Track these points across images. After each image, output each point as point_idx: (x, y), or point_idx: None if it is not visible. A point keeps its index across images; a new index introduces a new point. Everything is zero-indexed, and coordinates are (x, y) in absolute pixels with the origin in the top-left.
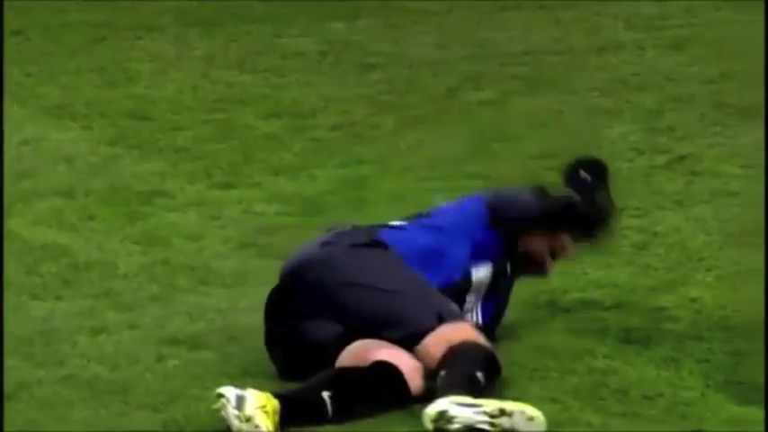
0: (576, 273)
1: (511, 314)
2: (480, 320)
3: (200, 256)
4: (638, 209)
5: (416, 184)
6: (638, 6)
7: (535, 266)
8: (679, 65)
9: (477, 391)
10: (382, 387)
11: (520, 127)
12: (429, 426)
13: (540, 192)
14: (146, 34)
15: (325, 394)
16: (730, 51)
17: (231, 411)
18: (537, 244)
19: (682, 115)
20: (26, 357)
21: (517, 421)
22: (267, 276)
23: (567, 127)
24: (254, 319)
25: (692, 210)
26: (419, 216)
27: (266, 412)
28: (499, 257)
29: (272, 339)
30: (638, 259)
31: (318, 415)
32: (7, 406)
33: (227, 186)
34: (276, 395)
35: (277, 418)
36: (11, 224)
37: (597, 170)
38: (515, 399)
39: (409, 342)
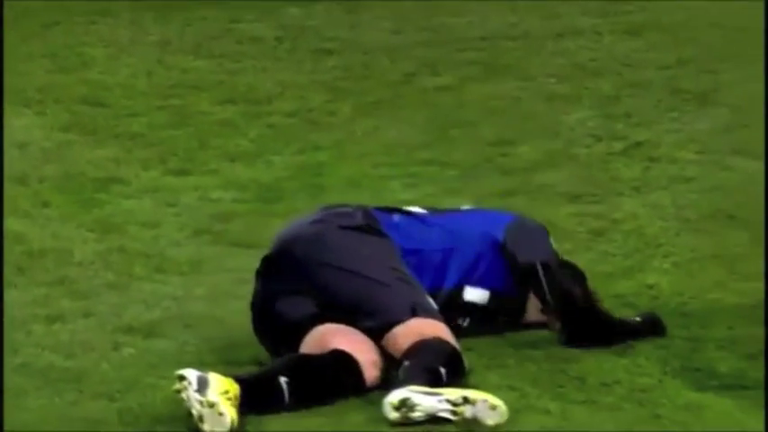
0: None
1: None
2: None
3: (155, 244)
4: (595, 195)
5: (373, 170)
6: None
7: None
8: (636, 50)
9: (438, 385)
10: (338, 376)
11: (477, 113)
12: (391, 413)
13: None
14: (99, 19)
15: (283, 380)
16: (687, 37)
17: (193, 394)
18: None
19: (639, 101)
20: None
21: (480, 409)
22: (223, 263)
23: (525, 113)
24: (211, 307)
25: (650, 196)
26: (443, 212)
27: (229, 399)
28: (502, 289)
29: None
30: (595, 246)
31: (275, 401)
32: None
33: (183, 173)
34: (236, 379)
35: (237, 403)
36: None
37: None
38: (474, 386)
39: (379, 332)
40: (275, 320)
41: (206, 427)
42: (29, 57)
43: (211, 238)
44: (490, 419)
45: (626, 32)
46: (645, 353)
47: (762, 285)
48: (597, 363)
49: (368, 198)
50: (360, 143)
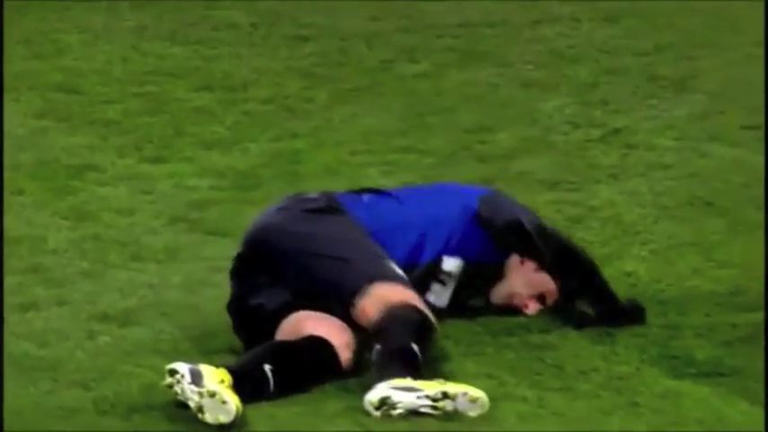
0: None
1: None
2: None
3: (131, 232)
4: (572, 182)
5: (350, 157)
6: None
7: (511, 308)
8: (614, 37)
9: (413, 364)
10: (316, 361)
11: (454, 100)
12: (372, 412)
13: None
14: (74, 5)
15: (268, 368)
16: (664, 24)
17: (188, 387)
18: (523, 284)
19: (616, 88)
20: None
21: (460, 403)
22: (199, 251)
23: (502, 100)
24: (187, 295)
25: (627, 183)
26: (417, 188)
27: (228, 387)
28: (475, 259)
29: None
30: (573, 233)
31: (262, 389)
32: None
33: (159, 160)
34: (227, 369)
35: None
36: None
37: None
38: (452, 374)
39: (346, 307)
40: (252, 315)
41: (208, 417)
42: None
43: (187, 225)
44: (471, 411)
45: (604, 19)
46: (622, 341)
47: (738, 272)
48: (574, 350)
49: (345, 185)
50: (337, 130)
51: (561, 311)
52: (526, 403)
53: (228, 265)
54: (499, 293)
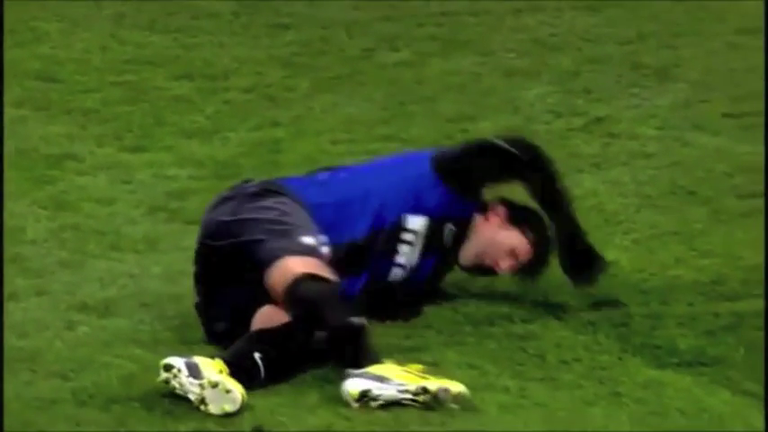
0: None
1: None
2: (411, 278)
3: (110, 221)
4: None
5: (332, 146)
6: None
7: (483, 270)
8: (596, 26)
9: (363, 341)
10: (302, 346)
11: (436, 89)
12: (352, 404)
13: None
14: None
15: (257, 356)
16: (647, 12)
17: (187, 380)
18: (491, 241)
19: (599, 77)
20: None
21: (441, 398)
22: (179, 241)
23: (484, 89)
24: (167, 286)
25: (610, 172)
26: (370, 161)
27: (229, 376)
28: (439, 214)
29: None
30: None
31: (254, 377)
32: None
33: (138, 150)
34: (222, 360)
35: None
36: None
37: None
38: (433, 364)
39: (261, 280)
40: (223, 314)
41: (212, 408)
42: None
43: (167, 215)
44: (452, 404)
45: (586, 7)
46: (604, 330)
47: (720, 261)
48: (556, 340)
49: None
50: (318, 119)
51: (543, 303)
52: (508, 393)
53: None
54: (468, 255)
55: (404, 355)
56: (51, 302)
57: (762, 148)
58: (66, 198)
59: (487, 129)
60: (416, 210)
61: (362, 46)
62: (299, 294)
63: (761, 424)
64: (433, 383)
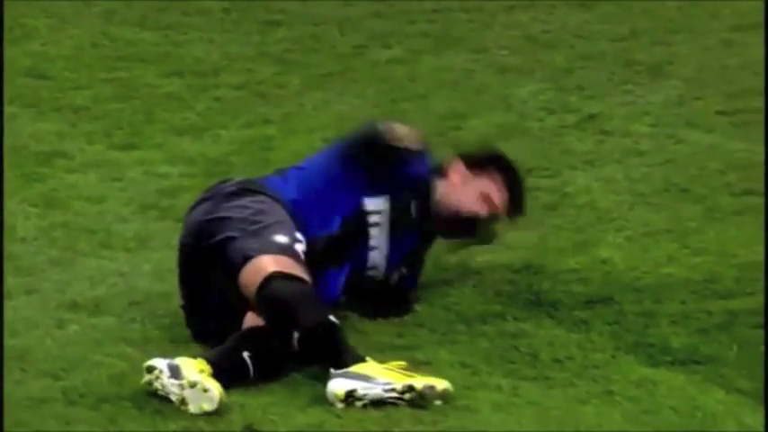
0: None
1: (420, 277)
2: (389, 259)
3: (100, 219)
4: (547, 169)
5: (323, 144)
6: None
7: (464, 225)
8: (589, 22)
9: (340, 339)
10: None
11: (428, 86)
12: (337, 403)
13: None
14: None
15: (246, 355)
16: (640, 9)
17: (168, 381)
18: (459, 197)
19: (592, 73)
20: None
21: (427, 395)
22: (170, 239)
23: (477, 86)
24: (157, 284)
25: (603, 170)
26: (314, 155)
27: (209, 376)
28: (395, 190)
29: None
30: (548, 220)
31: (242, 376)
32: None
33: (129, 147)
34: (205, 359)
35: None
36: None
37: None
38: (425, 363)
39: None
40: (209, 314)
41: (191, 408)
42: None
43: (158, 213)
44: (437, 400)
45: (579, 4)
46: (597, 328)
47: (713, 259)
48: (549, 339)
49: None
50: (309, 116)
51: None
52: (500, 392)
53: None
54: (443, 221)
55: (396, 354)
56: (41, 301)
57: (755, 146)
58: (56, 196)
59: (480, 126)
60: (373, 191)
61: (354, 43)
62: (271, 293)
63: (754, 422)
64: (419, 381)
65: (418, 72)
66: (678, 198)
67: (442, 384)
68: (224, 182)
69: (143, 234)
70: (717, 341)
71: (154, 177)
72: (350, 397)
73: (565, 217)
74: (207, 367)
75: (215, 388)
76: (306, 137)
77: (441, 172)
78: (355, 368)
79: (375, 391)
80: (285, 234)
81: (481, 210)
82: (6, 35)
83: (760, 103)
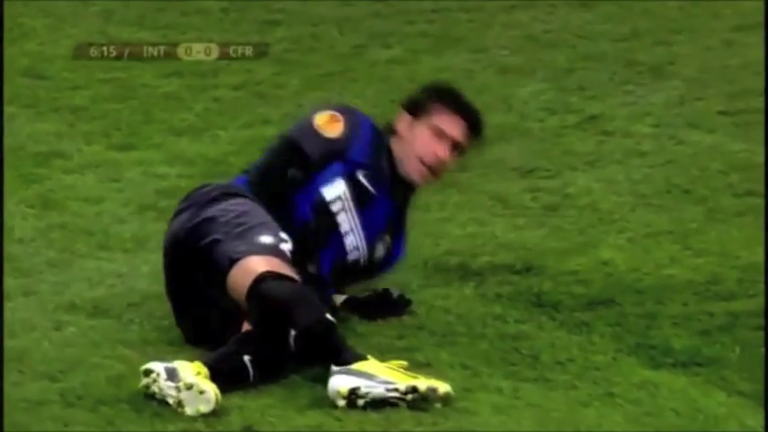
0: (486, 236)
1: (420, 278)
2: (368, 235)
3: (98, 220)
4: (548, 170)
5: None
6: None
7: (433, 170)
8: (590, 22)
9: (338, 337)
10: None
11: None
12: (338, 401)
13: None
14: None
15: (246, 358)
16: (641, 9)
17: (165, 383)
18: (416, 149)
19: (593, 74)
20: None
21: (429, 397)
22: None
23: (477, 86)
24: (155, 285)
25: (604, 170)
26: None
27: (205, 378)
28: (347, 169)
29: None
30: (549, 221)
31: (241, 379)
32: None
33: (127, 148)
34: (203, 363)
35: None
36: None
37: None
38: (426, 364)
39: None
40: (198, 319)
41: (188, 410)
42: None
43: (156, 214)
44: (438, 403)
45: (580, 4)
46: (598, 330)
47: (715, 260)
48: (550, 340)
49: None
50: None
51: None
52: (501, 394)
53: None
54: (411, 174)
55: (396, 356)
56: (39, 302)
57: (757, 146)
58: (53, 197)
59: None
60: (325, 182)
61: (353, 43)
62: (263, 293)
63: (755, 424)
64: (422, 383)
65: (418, 72)
66: (679, 199)
67: (444, 387)
68: (201, 188)
69: (141, 235)
70: (719, 343)
71: (152, 178)
72: (353, 395)
73: (566, 218)
74: (204, 370)
75: (211, 390)
76: None
77: (391, 131)
78: (358, 365)
79: (377, 390)
80: (271, 234)
81: (442, 152)
82: (4, 35)
83: (761, 103)
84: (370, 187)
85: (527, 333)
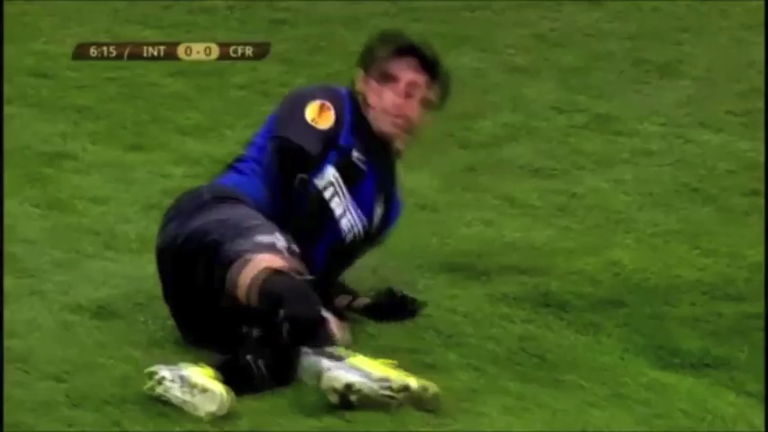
0: (494, 235)
1: (426, 278)
2: (363, 211)
3: (104, 220)
4: (556, 169)
5: None
6: None
7: (407, 129)
8: (598, 21)
9: (326, 336)
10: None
11: None
12: (331, 396)
13: None
14: None
15: (256, 360)
16: (650, 7)
17: (171, 386)
18: (384, 107)
19: (601, 73)
20: None
21: (421, 396)
22: None
23: (485, 85)
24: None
25: (612, 170)
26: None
27: (213, 378)
28: (341, 154)
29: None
30: (557, 221)
31: (251, 381)
32: None
33: (133, 147)
34: (212, 366)
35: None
36: None
37: None
38: (433, 365)
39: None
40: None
41: (196, 411)
42: None
43: (162, 214)
44: (428, 403)
45: (588, 2)
46: (606, 330)
47: (724, 260)
48: (558, 341)
49: None
50: None
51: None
52: (509, 395)
53: None
54: (389, 136)
55: (403, 356)
56: (45, 303)
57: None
58: (59, 196)
59: (488, 126)
60: (319, 169)
61: (361, 42)
62: (262, 287)
63: (765, 425)
64: (414, 381)
65: None
66: (688, 198)
67: (433, 387)
68: (190, 192)
69: (147, 235)
70: (727, 344)
71: (158, 178)
72: (347, 390)
73: (574, 218)
74: (213, 373)
75: (217, 389)
76: None
77: (365, 101)
78: (353, 360)
79: (372, 387)
80: (269, 234)
81: (411, 111)
82: (8, 33)
83: None
84: (361, 165)
85: (535, 333)
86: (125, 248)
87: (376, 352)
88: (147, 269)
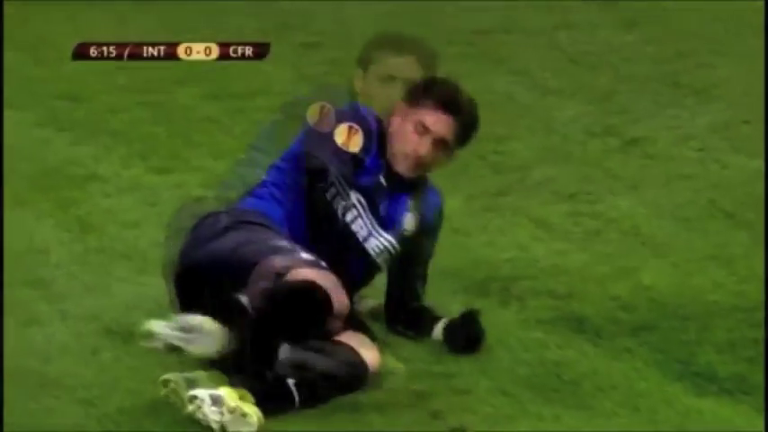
0: (528, 260)
1: (460, 303)
2: (392, 225)
3: (136, 244)
4: (590, 193)
5: None
6: None
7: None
8: (632, 43)
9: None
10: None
11: None
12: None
13: None
14: (77, 9)
15: (291, 382)
16: (685, 30)
17: (208, 409)
18: (399, 143)
19: (636, 96)
20: None
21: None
22: None
23: (518, 108)
24: None
25: (647, 194)
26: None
27: (249, 402)
28: (363, 181)
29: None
30: (591, 246)
31: (287, 404)
32: None
33: (165, 171)
34: (247, 389)
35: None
36: None
37: None
38: (465, 391)
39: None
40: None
41: None
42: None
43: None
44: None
45: (622, 25)
46: (642, 356)
47: (761, 286)
48: (592, 367)
49: None
50: None
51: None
52: (542, 420)
53: None
54: (398, 161)
55: (434, 382)
56: (76, 327)
57: None
58: (91, 220)
59: (521, 149)
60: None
61: None
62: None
63: None
64: (248, 408)
65: None
66: (724, 223)
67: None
68: (207, 217)
69: None
70: (764, 369)
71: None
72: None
73: (608, 243)
74: (247, 395)
75: (253, 413)
76: None
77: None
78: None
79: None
80: (293, 252)
81: (422, 149)
82: (40, 56)
83: None
84: (386, 185)
85: (569, 359)
86: (157, 273)
87: (408, 377)
88: None
